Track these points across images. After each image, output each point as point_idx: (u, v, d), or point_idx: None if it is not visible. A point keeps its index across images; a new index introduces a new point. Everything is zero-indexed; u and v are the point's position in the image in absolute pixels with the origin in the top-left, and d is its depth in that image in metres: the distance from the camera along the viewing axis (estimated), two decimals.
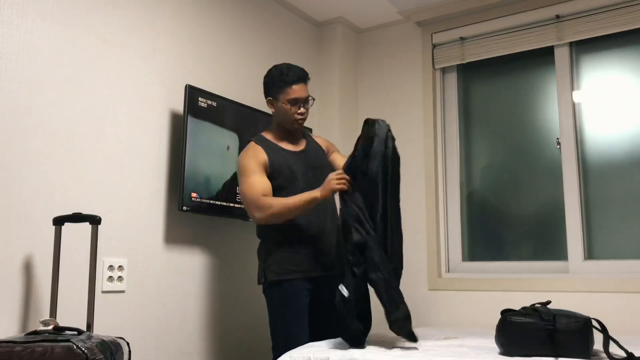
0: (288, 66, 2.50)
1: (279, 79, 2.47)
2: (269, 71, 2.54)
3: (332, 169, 2.54)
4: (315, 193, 2.31)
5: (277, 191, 2.41)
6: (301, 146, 2.57)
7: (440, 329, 2.93)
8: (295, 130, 2.56)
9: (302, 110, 2.48)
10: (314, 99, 2.55)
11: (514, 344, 1.97)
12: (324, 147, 2.66)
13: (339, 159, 2.60)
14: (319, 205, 2.36)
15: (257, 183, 2.37)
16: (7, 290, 2.04)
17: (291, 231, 2.41)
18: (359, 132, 2.33)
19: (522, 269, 3.20)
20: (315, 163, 2.54)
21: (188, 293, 2.70)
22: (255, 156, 2.43)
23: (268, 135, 2.55)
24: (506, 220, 3.36)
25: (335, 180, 2.27)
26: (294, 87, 2.45)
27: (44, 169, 2.18)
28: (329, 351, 2.05)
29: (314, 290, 2.41)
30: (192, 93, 2.67)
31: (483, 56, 3.44)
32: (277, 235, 2.42)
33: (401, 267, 2.23)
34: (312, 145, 2.63)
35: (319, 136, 2.79)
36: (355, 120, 3.75)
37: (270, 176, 2.43)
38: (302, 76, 2.47)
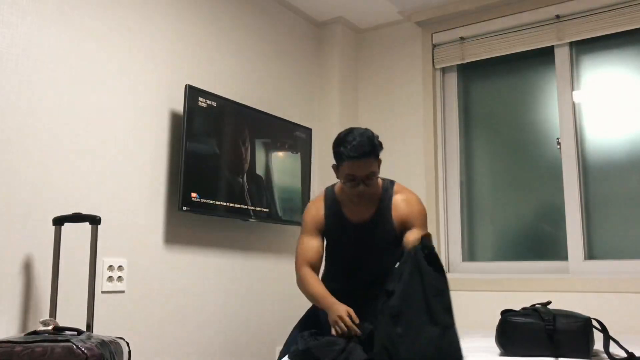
0: (352, 136, 2.13)
1: (336, 150, 2.16)
2: (338, 133, 2.23)
3: (386, 245, 2.26)
4: (330, 306, 2.05)
5: (327, 254, 2.35)
6: (367, 215, 2.26)
7: None
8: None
9: (360, 188, 2.15)
10: (376, 173, 2.16)
11: (514, 345, 1.97)
12: (397, 220, 2.24)
13: (409, 237, 2.17)
14: (358, 274, 2.26)
15: (305, 246, 2.27)
16: (7, 290, 2.04)
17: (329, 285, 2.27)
18: None
19: (522, 269, 3.20)
20: (374, 240, 2.25)
21: (188, 293, 2.70)
22: (315, 218, 2.30)
23: (339, 192, 2.31)
24: (506, 220, 3.36)
25: (336, 323, 1.99)
26: (350, 163, 2.11)
27: (44, 169, 2.18)
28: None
29: None
30: (192, 93, 2.67)
31: (483, 56, 3.44)
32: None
33: None
34: (382, 213, 2.25)
35: (406, 197, 2.27)
36: (355, 120, 3.75)
37: (324, 237, 2.33)
38: (363, 153, 2.09)
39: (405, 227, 2.23)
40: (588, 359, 1.89)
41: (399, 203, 2.25)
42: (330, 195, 2.33)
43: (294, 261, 2.31)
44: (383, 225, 2.25)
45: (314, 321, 2.25)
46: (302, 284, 2.22)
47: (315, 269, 2.27)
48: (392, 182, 2.32)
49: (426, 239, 1.88)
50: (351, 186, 2.16)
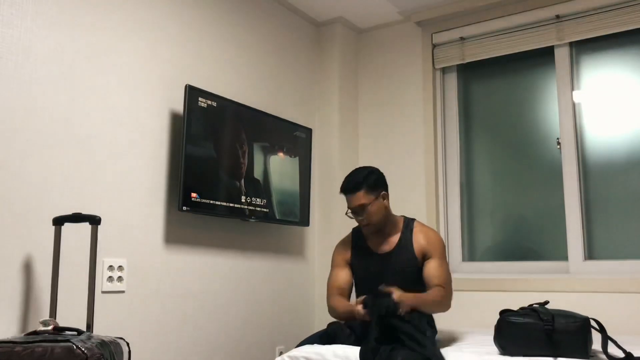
0: (351, 172, 2.48)
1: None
2: None
3: (410, 273, 2.42)
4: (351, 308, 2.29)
5: (356, 285, 2.55)
6: (390, 246, 2.48)
7: (439, 329, 2.93)
8: (387, 226, 2.48)
9: (359, 219, 2.44)
10: (368, 205, 2.39)
11: (513, 345, 1.97)
12: (418, 250, 2.43)
13: (430, 269, 2.40)
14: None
15: (334, 277, 2.53)
16: (7, 290, 2.04)
17: None
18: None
19: (522, 269, 3.20)
20: (398, 267, 2.43)
21: (188, 293, 2.71)
22: (343, 253, 2.57)
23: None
24: (506, 220, 3.36)
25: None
26: (346, 196, 2.44)
27: (44, 169, 2.18)
28: (324, 348, 2.07)
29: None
30: (192, 93, 2.67)
31: (483, 56, 3.44)
32: None
33: None
34: (404, 244, 2.46)
35: (425, 230, 2.49)
36: (355, 120, 3.75)
37: (352, 269, 2.55)
38: (347, 188, 2.43)
39: (425, 256, 2.44)
40: (586, 359, 1.89)
41: (419, 235, 2.48)
42: (356, 231, 2.58)
43: (326, 296, 2.53)
44: (405, 254, 2.45)
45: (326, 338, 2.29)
46: (332, 309, 2.43)
47: (345, 297, 2.48)
48: (412, 220, 2.56)
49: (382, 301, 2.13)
50: (353, 217, 2.46)
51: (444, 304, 2.36)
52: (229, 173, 2.84)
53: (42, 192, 2.17)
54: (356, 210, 2.42)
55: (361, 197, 2.39)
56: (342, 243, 2.61)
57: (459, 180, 3.48)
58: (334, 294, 2.48)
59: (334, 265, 2.58)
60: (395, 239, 2.48)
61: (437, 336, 2.45)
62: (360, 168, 2.51)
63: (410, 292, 2.27)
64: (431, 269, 2.40)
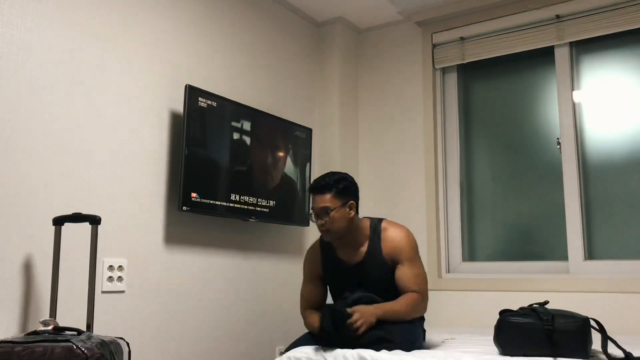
0: (324, 174, 2.41)
1: None
2: None
3: (387, 281, 2.35)
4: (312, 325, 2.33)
5: (331, 294, 2.50)
6: (360, 256, 2.39)
7: (439, 329, 2.93)
8: (352, 236, 2.39)
9: (320, 222, 2.34)
10: (332, 210, 2.31)
11: (513, 345, 1.97)
12: (387, 257, 2.35)
13: (401, 276, 2.34)
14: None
15: (307, 295, 2.49)
16: (7, 290, 2.04)
17: None
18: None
19: (522, 269, 3.20)
20: (372, 277, 2.36)
21: (188, 293, 2.71)
22: (312, 265, 2.51)
23: None
24: (506, 220, 3.36)
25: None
26: (313, 196, 2.37)
27: (44, 169, 2.18)
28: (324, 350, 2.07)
29: None
30: (192, 93, 2.67)
31: (483, 56, 3.44)
32: None
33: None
34: (373, 253, 2.37)
35: (392, 234, 2.39)
36: (355, 120, 3.75)
37: (324, 281, 2.51)
38: (315, 188, 2.36)
39: (395, 260, 2.36)
40: (586, 359, 1.89)
41: (387, 238, 2.38)
42: (325, 241, 2.45)
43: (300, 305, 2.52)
44: (376, 263, 2.36)
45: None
46: (304, 322, 2.41)
47: (316, 309, 2.43)
48: (380, 220, 2.45)
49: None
50: (314, 220, 2.37)
51: (418, 309, 2.32)
52: (230, 170, 2.84)
53: (42, 192, 2.17)
54: (319, 213, 2.33)
55: (327, 199, 2.31)
56: (312, 255, 2.53)
57: (459, 180, 3.48)
58: (306, 308, 2.46)
59: (305, 278, 2.53)
60: (364, 248, 2.39)
61: (437, 336, 2.45)
62: (334, 171, 2.44)
63: (383, 297, 2.28)
64: (402, 275, 2.33)
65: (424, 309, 2.36)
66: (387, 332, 2.14)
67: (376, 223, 2.43)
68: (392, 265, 2.35)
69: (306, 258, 2.55)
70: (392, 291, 2.33)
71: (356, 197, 2.41)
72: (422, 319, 2.41)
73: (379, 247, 2.37)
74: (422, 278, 2.37)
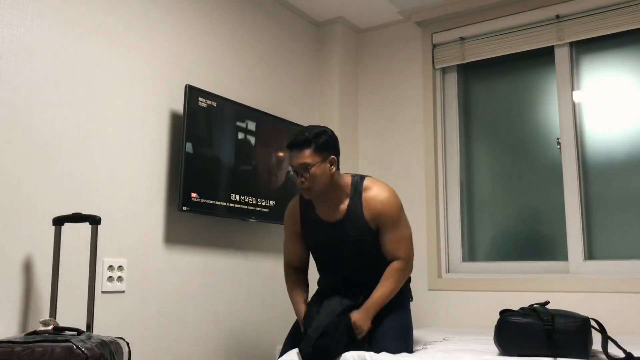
0: (302, 129, 2.27)
1: None
2: None
3: (365, 242, 2.29)
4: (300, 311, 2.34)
5: (312, 253, 2.46)
6: (340, 214, 2.29)
7: (439, 329, 2.93)
8: (333, 193, 2.28)
9: (299, 179, 2.22)
10: (312, 166, 2.19)
11: (513, 345, 1.97)
12: (369, 218, 2.26)
13: (386, 243, 2.28)
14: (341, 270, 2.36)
15: (288, 251, 2.47)
16: (7, 290, 2.04)
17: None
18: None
19: (522, 269, 3.20)
20: (351, 237, 2.27)
21: (188, 293, 2.71)
22: (292, 221, 2.42)
23: None
24: (506, 220, 3.36)
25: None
26: (291, 152, 2.23)
27: (44, 169, 2.18)
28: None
29: None
30: (192, 93, 2.67)
31: (483, 56, 3.44)
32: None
33: None
34: (353, 211, 2.27)
35: (374, 196, 2.28)
36: (355, 120, 3.75)
37: (304, 241, 2.44)
38: (293, 144, 2.22)
39: (379, 225, 2.27)
40: (586, 359, 1.89)
41: (370, 200, 2.27)
42: (304, 198, 2.36)
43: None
44: (356, 222, 2.27)
45: (299, 332, 2.31)
46: (287, 289, 2.45)
47: (300, 271, 2.47)
48: (362, 178, 2.34)
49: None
50: (293, 178, 2.26)
51: (405, 276, 2.30)
52: (230, 170, 2.84)
53: (42, 192, 2.17)
54: (298, 170, 2.21)
55: (307, 155, 2.18)
56: (291, 213, 2.42)
57: (459, 180, 3.48)
58: (289, 269, 2.46)
59: (286, 235, 2.46)
60: (344, 206, 2.28)
61: (437, 336, 2.46)
62: (313, 125, 2.30)
63: (370, 261, 2.28)
64: (387, 241, 2.27)
65: (410, 270, 2.33)
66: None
67: (358, 180, 2.32)
68: (374, 228, 2.27)
69: (286, 215, 2.45)
70: (372, 253, 2.29)
71: (337, 152, 2.28)
72: (408, 279, 2.41)
73: (360, 206, 2.27)
74: (407, 240, 2.30)
